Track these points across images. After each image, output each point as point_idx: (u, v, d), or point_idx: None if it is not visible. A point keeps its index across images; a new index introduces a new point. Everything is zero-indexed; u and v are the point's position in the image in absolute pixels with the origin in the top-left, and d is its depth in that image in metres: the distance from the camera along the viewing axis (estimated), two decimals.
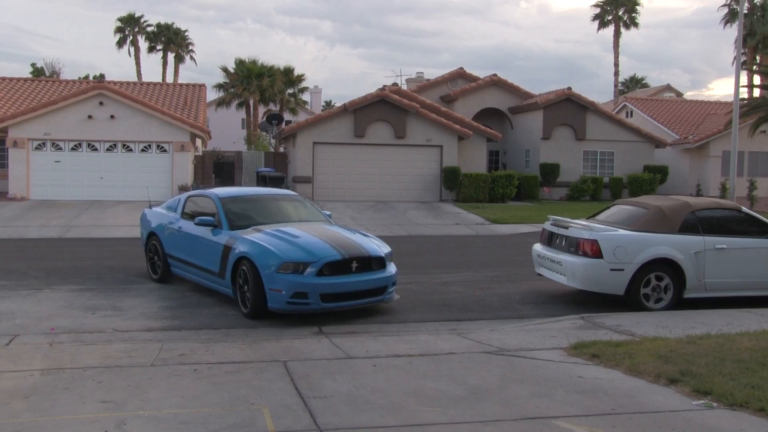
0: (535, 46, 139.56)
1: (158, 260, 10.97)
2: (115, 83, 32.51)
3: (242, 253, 8.67)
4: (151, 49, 58.69)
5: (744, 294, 9.68)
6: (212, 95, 41.56)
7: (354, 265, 8.66)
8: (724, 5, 45.90)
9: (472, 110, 33.67)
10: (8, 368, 5.95)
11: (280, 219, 9.90)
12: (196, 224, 9.75)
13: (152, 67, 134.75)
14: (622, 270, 9.09)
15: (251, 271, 8.47)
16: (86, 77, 49.97)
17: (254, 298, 8.42)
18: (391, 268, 9.21)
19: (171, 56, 59.00)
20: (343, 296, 8.53)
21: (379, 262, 8.99)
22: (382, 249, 9.22)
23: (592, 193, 30.97)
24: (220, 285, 9.24)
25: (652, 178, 31.19)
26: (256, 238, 8.82)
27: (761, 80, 34.79)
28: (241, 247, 8.76)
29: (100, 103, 27.31)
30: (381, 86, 31.35)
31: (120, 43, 57.97)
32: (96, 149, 27.74)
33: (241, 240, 8.90)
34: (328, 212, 10.97)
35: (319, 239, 8.85)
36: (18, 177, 26.75)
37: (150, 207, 11.90)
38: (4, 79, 33.32)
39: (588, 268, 9.15)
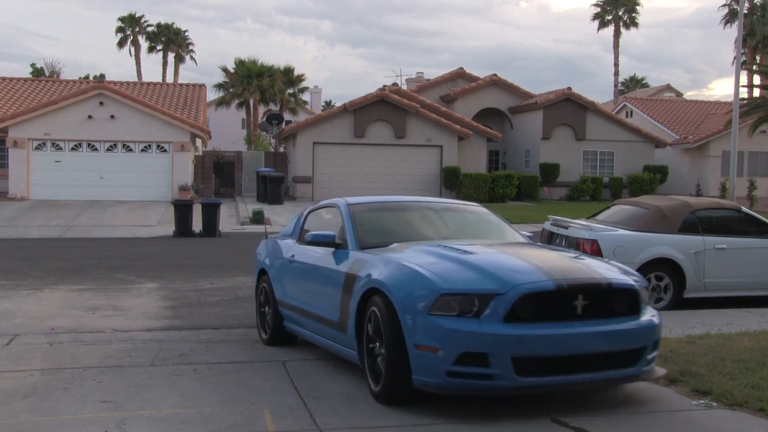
0: (535, 46, 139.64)
1: (268, 310, 7.20)
2: (115, 83, 32.52)
3: (371, 281, 5.24)
4: (151, 49, 58.72)
5: (744, 294, 9.69)
6: (212, 95, 41.59)
7: (579, 302, 4.88)
8: (724, 5, 45.91)
9: (472, 110, 33.68)
10: (8, 368, 5.95)
11: (442, 236, 6.39)
12: (308, 243, 6.26)
13: (152, 67, 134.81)
14: None
15: (386, 314, 4.97)
16: (86, 77, 49.99)
17: (389, 364, 4.91)
18: (650, 313, 5.29)
19: (171, 56, 59.04)
20: (558, 363, 4.77)
21: (628, 300, 5.13)
22: (631, 277, 5.32)
23: (592, 193, 30.97)
24: (342, 343, 5.71)
25: (652, 178, 31.20)
26: (396, 255, 5.47)
27: (761, 80, 34.79)
28: (370, 272, 5.34)
29: (100, 103, 27.33)
30: (381, 86, 31.38)
31: (120, 43, 57.99)
32: (96, 149, 27.75)
33: (371, 261, 5.51)
34: (528, 233, 7.06)
35: (510, 255, 5.43)
36: (18, 177, 26.77)
37: (266, 237, 8.34)
38: (4, 79, 33.34)
39: None
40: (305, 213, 7.39)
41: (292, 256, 6.82)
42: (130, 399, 5.11)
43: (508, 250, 5.67)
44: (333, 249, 6.09)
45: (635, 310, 5.13)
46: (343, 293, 5.61)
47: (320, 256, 6.25)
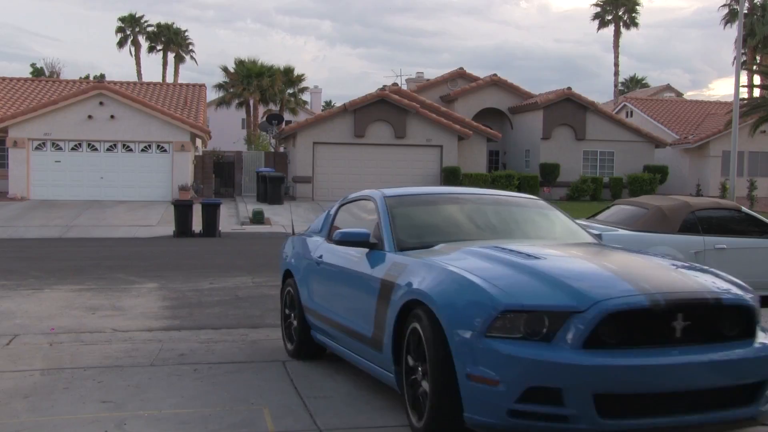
0: (535, 46, 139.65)
1: (294, 317, 6.41)
2: (115, 83, 32.54)
3: (412, 291, 4.33)
4: (151, 49, 58.74)
5: None
6: (212, 95, 41.58)
7: (679, 323, 3.87)
8: (724, 5, 45.92)
9: (472, 110, 33.68)
10: (8, 368, 5.95)
11: (497, 235, 5.31)
12: (337, 242, 5.32)
13: (152, 67, 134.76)
14: None
15: (430, 333, 4.09)
16: (87, 77, 49.99)
17: (434, 397, 4.04)
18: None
19: (171, 56, 59.06)
20: (651, 402, 3.78)
21: (741, 319, 4.08)
22: (743, 290, 4.23)
23: (592, 193, 30.98)
24: (376, 363, 4.85)
25: (652, 178, 31.21)
26: (442, 259, 4.52)
27: (761, 80, 34.80)
28: (411, 279, 4.42)
29: (100, 103, 27.34)
30: (381, 86, 31.39)
31: (120, 43, 58.02)
32: (96, 149, 27.76)
33: (412, 266, 4.57)
34: (596, 231, 6.39)
35: (586, 261, 4.48)
36: (18, 177, 26.77)
37: (293, 234, 7.25)
38: (4, 79, 33.35)
39: None
40: (336, 207, 6.45)
41: (320, 256, 5.92)
42: (130, 399, 5.11)
43: (582, 254, 4.70)
44: (366, 250, 5.19)
45: (749, 333, 4.00)
46: (378, 303, 4.71)
47: (352, 257, 5.34)
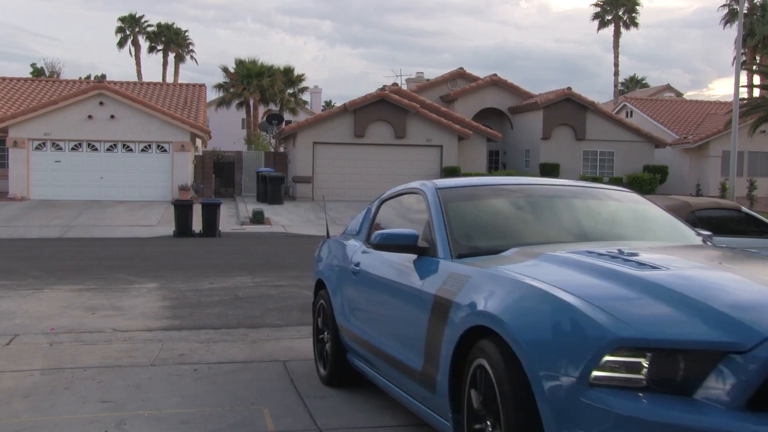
0: (535, 46, 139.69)
1: (328, 337, 5.50)
2: (115, 83, 32.54)
3: (477, 315, 3.25)
4: (151, 49, 58.76)
5: None
6: (212, 95, 41.60)
7: None
8: (724, 5, 45.93)
9: (472, 110, 33.69)
10: (8, 368, 5.95)
11: (585, 237, 4.20)
12: (377, 246, 4.24)
13: (153, 67, 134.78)
14: None
15: (504, 374, 2.94)
16: (87, 77, 49.99)
17: None
18: None
19: (171, 56, 59.08)
20: None
21: None
22: None
23: None
24: (428, 405, 3.82)
25: (652, 178, 31.21)
26: (517, 269, 3.40)
27: (761, 80, 34.78)
28: (475, 297, 3.33)
29: (100, 103, 27.34)
30: (381, 86, 31.40)
31: (121, 43, 58.04)
32: (96, 149, 27.76)
33: (476, 279, 3.46)
34: (705, 231, 4.81)
35: (734, 274, 3.17)
36: (18, 177, 26.77)
37: (328, 236, 6.50)
38: (4, 79, 33.35)
39: None
40: (377, 203, 5.44)
41: (357, 264, 4.92)
42: (130, 399, 5.10)
43: (715, 263, 3.53)
44: (414, 256, 4.14)
45: None
46: (429, 328, 3.63)
47: (395, 266, 4.32)
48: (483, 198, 4.65)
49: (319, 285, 5.88)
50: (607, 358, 2.57)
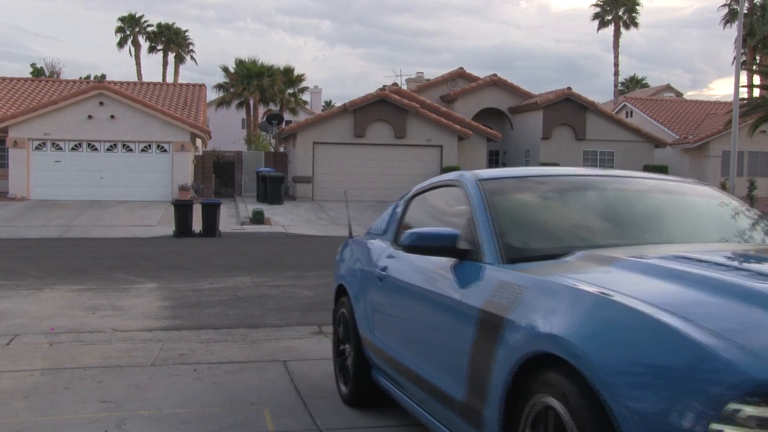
0: (535, 45, 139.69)
1: (349, 350, 4.92)
2: (115, 83, 32.55)
3: (540, 338, 2.50)
4: (151, 49, 58.76)
5: None
6: (212, 95, 41.62)
7: None
8: (724, 5, 45.94)
9: (472, 110, 33.69)
10: (8, 368, 5.95)
11: (664, 237, 3.51)
12: (408, 248, 3.52)
13: (153, 67, 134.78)
14: None
15: (588, 420, 2.21)
16: (87, 77, 50.00)
17: None
18: None
19: (171, 56, 59.09)
20: None
21: None
22: None
23: None
24: None
25: None
26: (593, 278, 2.64)
27: (761, 80, 34.79)
28: (536, 315, 2.59)
29: (101, 103, 27.33)
30: (381, 86, 31.41)
31: (121, 43, 58.04)
32: (96, 149, 27.76)
33: (535, 290, 2.73)
34: None
35: None
36: (18, 177, 26.77)
37: (350, 236, 5.79)
38: (4, 79, 33.35)
39: None
40: (407, 197, 4.75)
41: (384, 268, 4.28)
42: (130, 399, 5.10)
43: None
44: (453, 260, 3.43)
45: None
46: (474, 349, 2.96)
47: (429, 271, 3.64)
48: (532, 191, 3.90)
49: (341, 291, 5.20)
50: (734, 407, 1.85)
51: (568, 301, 2.51)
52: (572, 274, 2.74)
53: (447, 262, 3.50)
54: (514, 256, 3.20)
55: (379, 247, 4.69)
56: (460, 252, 3.42)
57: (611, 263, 2.84)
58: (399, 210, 4.77)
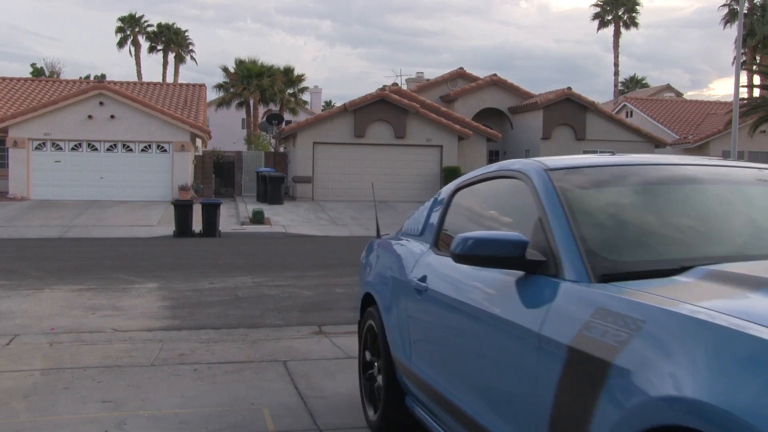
0: (535, 45, 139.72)
1: (378, 370, 4.31)
2: (115, 83, 32.55)
3: (677, 404, 1.68)
4: (151, 49, 58.75)
5: None
6: (212, 95, 41.60)
7: None
8: (724, 5, 45.93)
9: (472, 110, 33.69)
10: (8, 368, 5.95)
11: None
12: (459, 257, 2.71)
13: (153, 67, 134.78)
14: None
15: None
16: (87, 77, 50.01)
17: None
18: None
19: (171, 56, 59.09)
20: None
21: None
22: None
23: None
24: None
25: None
26: (758, 311, 1.79)
27: (761, 80, 34.78)
28: (669, 368, 1.77)
29: (100, 103, 27.33)
30: (381, 86, 31.41)
31: (121, 43, 58.03)
32: (96, 149, 27.77)
33: (659, 327, 1.90)
34: None
35: None
36: (18, 177, 26.77)
37: (378, 236, 5.02)
38: (4, 79, 33.34)
39: None
40: (449, 191, 3.94)
41: (423, 279, 3.55)
42: (130, 399, 5.10)
43: None
44: (520, 273, 2.71)
45: None
46: (559, 400, 2.25)
47: (486, 287, 2.92)
48: (619, 183, 3.03)
49: (368, 300, 4.47)
50: None
51: (719, 346, 1.72)
52: (704, 302, 1.94)
53: (509, 276, 2.75)
54: (608, 272, 2.40)
55: (415, 251, 3.91)
56: (530, 264, 2.65)
57: (760, 287, 2.00)
58: (438, 207, 3.97)
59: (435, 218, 3.94)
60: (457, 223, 3.72)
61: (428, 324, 3.51)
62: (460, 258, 2.74)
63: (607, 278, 2.38)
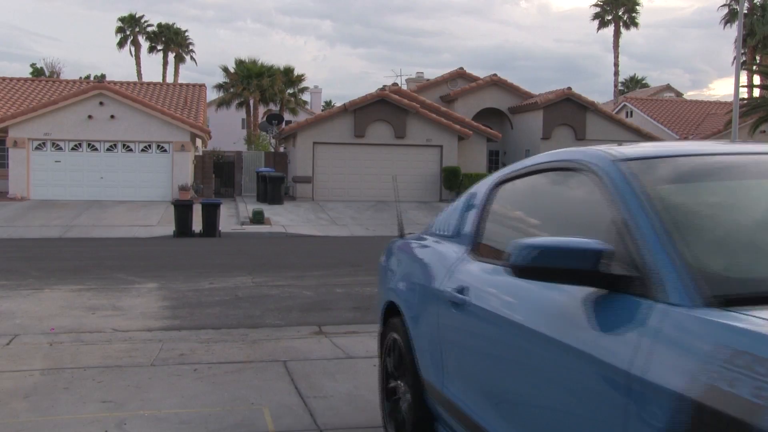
0: (536, 46, 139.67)
1: (403, 391, 3.65)
2: (115, 83, 32.55)
3: None
4: (151, 49, 58.77)
5: None
6: (212, 95, 41.60)
7: None
8: (724, 5, 45.94)
9: (472, 110, 33.68)
10: (8, 368, 5.95)
11: None
12: (522, 270, 2.15)
13: (153, 67, 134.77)
14: None
15: None
16: (87, 77, 50.00)
17: None
18: None
19: (171, 56, 59.10)
20: None
21: None
22: None
23: None
24: None
25: None
26: None
27: (761, 80, 34.79)
28: None
29: (100, 103, 27.33)
30: (381, 86, 31.40)
31: (121, 43, 58.05)
32: (96, 149, 27.76)
33: None
34: None
35: None
36: (18, 177, 26.77)
37: (402, 236, 4.44)
38: (4, 79, 33.34)
39: None
40: (489, 184, 3.34)
41: (461, 290, 2.98)
42: (130, 399, 5.10)
43: None
44: (600, 291, 2.15)
45: None
46: None
47: (552, 305, 2.35)
48: (714, 177, 2.48)
49: (390, 309, 3.89)
50: None
51: None
52: None
53: (581, 293, 2.19)
54: (726, 294, 1.85)
55: (449, 255, 3.29)
56: (613, 280, 2.10)
57: None
58: (477, 203, 3.32)
59: (472, 218, 3.30)
60: (498, 222, 3.14)
61: (469, 346, 2.93)
62: (524, 271, 2.18)
63: (722, 302, 1.83)
